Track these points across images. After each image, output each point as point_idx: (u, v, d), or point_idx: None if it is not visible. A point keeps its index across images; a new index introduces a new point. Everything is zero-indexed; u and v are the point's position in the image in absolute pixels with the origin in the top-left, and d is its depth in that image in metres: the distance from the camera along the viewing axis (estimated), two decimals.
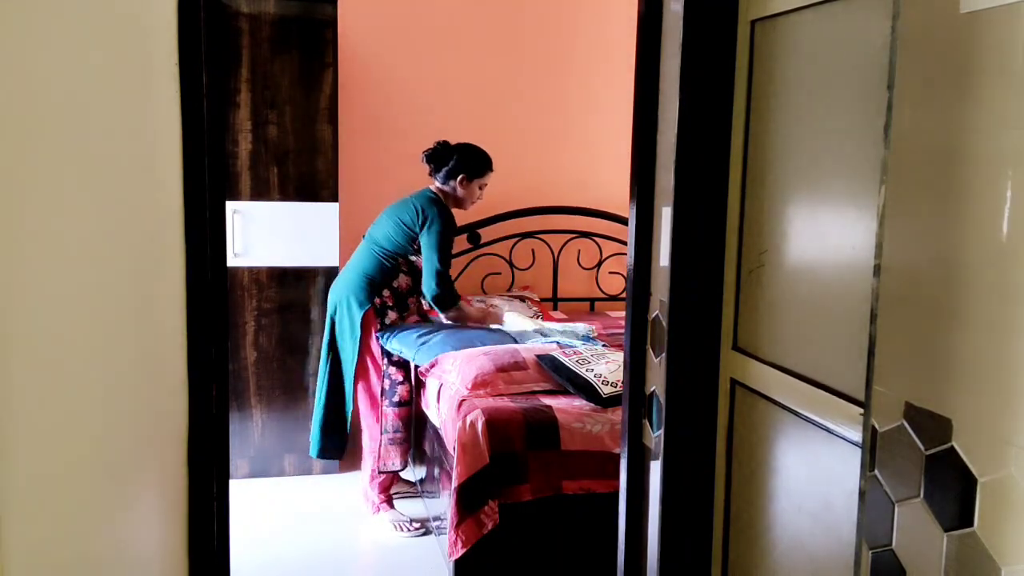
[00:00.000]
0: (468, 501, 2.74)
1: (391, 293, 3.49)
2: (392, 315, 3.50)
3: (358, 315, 3.43)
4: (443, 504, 3.12)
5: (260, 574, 3.09)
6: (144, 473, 1.64)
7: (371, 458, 3.51)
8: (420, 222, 3.43)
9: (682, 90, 1.87)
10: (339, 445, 3.55)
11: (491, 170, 3.59)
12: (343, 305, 3.48)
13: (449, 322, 3.56)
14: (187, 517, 1.93)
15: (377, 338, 3.47)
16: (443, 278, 3.44)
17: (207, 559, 1.97)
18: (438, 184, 3.56)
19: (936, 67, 1.19)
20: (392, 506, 3.54)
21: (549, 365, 3.13)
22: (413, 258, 3.50)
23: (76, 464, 1.28)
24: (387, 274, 3.48)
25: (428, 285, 3.44)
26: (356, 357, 3.44)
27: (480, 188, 3.59)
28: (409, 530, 3.42)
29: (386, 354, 3.47)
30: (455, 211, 3.58)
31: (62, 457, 1.22)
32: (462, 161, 3.53)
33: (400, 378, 3.49)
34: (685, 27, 1.85)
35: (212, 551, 1.99)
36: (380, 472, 3.50)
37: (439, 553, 3.20)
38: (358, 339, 3.43)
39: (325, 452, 3.56)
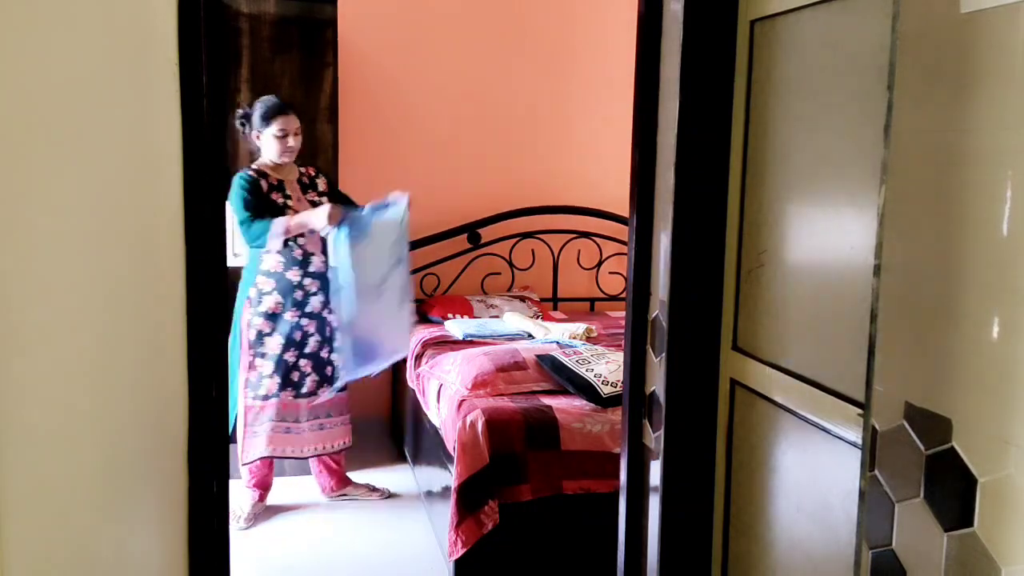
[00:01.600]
0: (468, 501, 2.74)
1: (266, 277, 3.41)
2: (268, 301, 3.41)
3: (238, 312, 3.41)
4: (443, 504, 3.12)
5: (260, 574, 3.09)
6: (144, 473, 1.64)
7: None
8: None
9: (682, 90, 1.87)
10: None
11: (282, 114, 3.39)
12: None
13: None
14: (187, 517, 1.93)
15: (248, 329, 3.42)
16: (245, 227, 3.32)
17: (207, 559, 1.97)
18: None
19: (936, 68, 1.19)
20: (348, 482, 3.68)
21: (549, 365, 3.13)
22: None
23: (76, 464, 1.28)
24: (251, 264, 3.43)
25: (243, 243, 3.37)
26: (238, 355, 3.42)
27: (278, 137, 3.38)
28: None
29: (252, 346, 3.42)
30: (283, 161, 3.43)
31: (62, 457, 1.22)
32: (245, 117, 3.45)
33: (269, 371, 3.44)
34: (685, 27, 1.85)
35: (212, 551, 1.99)
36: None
37: (439, 553, 3.20)
38: (233, 332, 3.39)
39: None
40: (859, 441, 1.41)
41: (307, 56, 3.80)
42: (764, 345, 1.78)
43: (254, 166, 3.45)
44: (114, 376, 1.44)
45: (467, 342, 3.75)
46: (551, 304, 4.64)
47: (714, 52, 1.87)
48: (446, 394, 3.15)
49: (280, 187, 3.44)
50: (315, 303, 3.46)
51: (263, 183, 3.40)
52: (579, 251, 4.68)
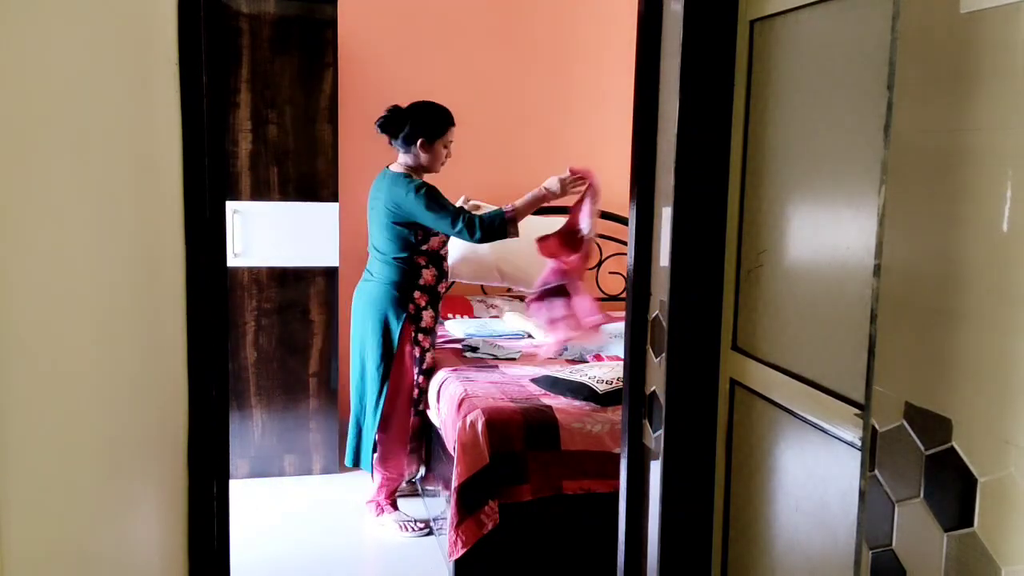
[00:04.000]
0: (468, 501, 2.74)
1: (421, 292, 3.32)
2: (427, 317, 3.34)
3: (396, 327, 3.26)
4: (443, 504, 3.12)
5: (260, 574, 3.09)
6: (144, 473, 1.64)
7: (386, 467, 3.41)
8: (402, 210, 3.22)
9: (682, 90, 1.87)
10: (364, 456, 3.41)
11: (452, 125, 3.32)
12: (374, 319, 3.29)
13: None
14: (187, 517, 1.93)
15: (415, 344, 3.34)
16: (468, 222, 3.17)
17: (207, 559, 1.97)
18: (401, 156, 3.35)
19: (936, 67, 1.19)
20: (396, 507, 3.50)
21: (546, 384, 3.13)
22: (422, 247, 3.29)
23: (76, 464, 1.28)
24: (409, 276, 3.29)
25: (465, 238, 3.21)
26: (384, 371, 3.29)
27: (445, 147, 3.32)
28: (414, 530, 3.39)
29: (417, 363, 3.37)
30: (427, 177, 3.36)
31: (62, 457, 1.22)
32: (417, 123, 3.27)
33: (426, 386, 3.41)
34: (685, 27, 1.85)
35: (212, 551, 1.99)
36: (407, 482, 3.48)
37: (439, 553, 3.20)
38: (393, 352, 3.28)
39: (356, 462, 3.41)
40: (858, 441, 1.41)
41: (307, 56, 3.80)
42: (764, 345, 1.78)
43: (408, 173, 3.31)
44: (114, 376, 1.44)
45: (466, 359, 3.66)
46: None
47: (714, 52, 1.87)
48: (446, 394, 3.15)
49: None
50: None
51: None
52: None
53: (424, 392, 3.41)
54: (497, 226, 3.22)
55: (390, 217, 3.26)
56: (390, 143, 3.35)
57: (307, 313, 3.92)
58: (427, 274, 3.32)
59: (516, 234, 3.28)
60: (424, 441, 3.54)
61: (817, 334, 1.59)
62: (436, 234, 3.30)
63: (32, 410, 1.10)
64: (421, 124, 3.27)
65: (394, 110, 3.31)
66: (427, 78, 4.44)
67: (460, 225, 3.18)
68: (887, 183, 1.28)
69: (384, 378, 3.29)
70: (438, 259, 3.37)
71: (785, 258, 1.70)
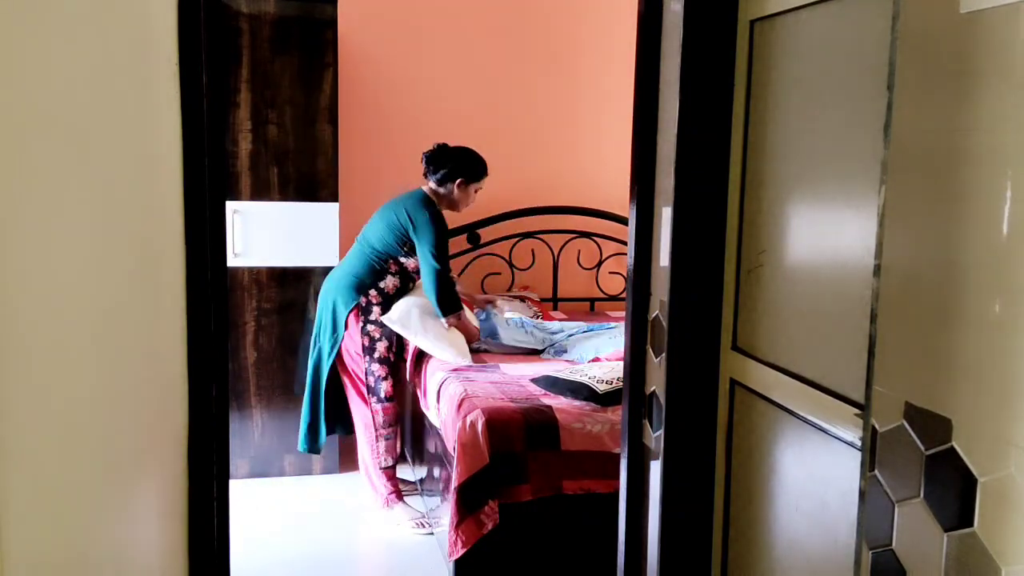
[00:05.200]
0: (468, 501, 2.74)
1: (377, 293, 3.51)
2: (376, 312, 3.51)
3: (343, 314, 3.47)
4: (443, 504, 3.12)
5: (260, 574, 3.09)
6: (144, 473, 1.64)
7: (367, 453, 3.56)
8: (411, 224, 3.46)
9: (682, 90, 1.87)
10: (316, 439, 3.60)
11: (487, 175, 3.65)
12: (327, 305, 3.52)
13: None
14: (187, 517, 1.93)
15: (363, 334, 3.49)
16: (442, 279, 3.45)
17: (207, 559, 1.97)
18: (432, 185, 3.59)
19: (936, 68, 1.19)
20: (402, 498, 3.55)
21: (545, 384, 3.14)
22: (403, 260, 3.52)
23: (76, 464, 1.28)
24: (375, 275, 3.51)
25: (428, 289, 3.46)
26: (333, 355, 3.50)
27: (475, 192, 3.64)
28: (426, 527, 3.42)
29: (368, 352, 3.49)
30: (446, 213, 3.61)
31: (62, 457, 1.22)
32: (462, 165, 3.56)
33: (383, 374, 3.52)
34: (685, 27, 1.85)
35: (212, 551, 1.99)
36: (381, 468, 3.53)
37: (439, 553, 3.20)
38: (340, 337, 3.48)
39: (309, 445, 3.62)
40: (858, 441, 1.41)
41: (307, 56, 3.80)
42: (764, 345, 1.78)
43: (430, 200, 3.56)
44: (114, 376, 1.44)
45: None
46: (551, 304, 4.64)
47: (714, 52, 1.87)
48: (446, 394, 3.15)
49: None
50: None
51: None
52: (579, 251, 4.68)
53: (384, 380, 3.52)
54: (452, 303, 3.50)
55: (402, 218, 3.49)
56: (425, 175, 3.61)
57: (307, 313, 3.92)
58: (391, 281, 3.54)
59: (448, 325, 3.54)
60: (399, 429, 3.67)
61: (817, 334, 1.59)
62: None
63: (32, 410, 1.10)
64: (465, 166, 3.58)
65: (443, 147, 3.61)
66: (427, 78, 4.45)
67: (437, 272, 3.42)
68: (887, 183, 1.28)
69: (330, 360, 3.52)
70: (407, 277, 3.59)
71: (785, 258, 1.70)
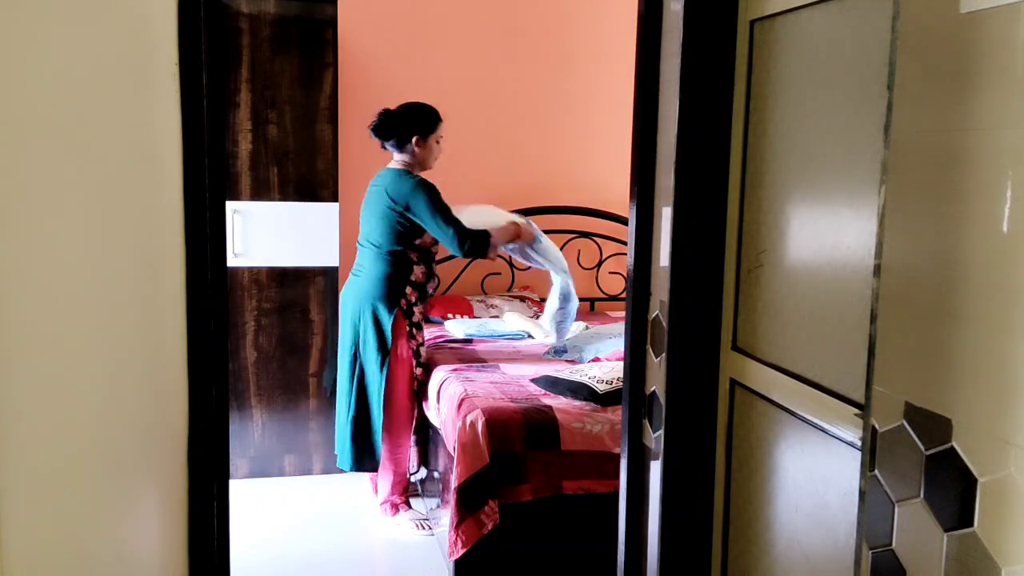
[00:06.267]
0: (468, 501, 2.74)
1: (412, 288, 3.37)
2: (417, 312, 3.41)
3: (388, 321, 3.29)
4: (443, 504, 3.12)
5: (260, 574, 3.09)
6: (144, 473, 1.64)
7: (395, 463, 3.42)
8: (401, 201, 3.28)
9: (682, 90, 1.87)
10: (374, 456, 3.38)
11: (441, 120, 3.42)
12: (366, 314, 3.31)
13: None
14: (187, 517, 1.93)
15: (411, 338, 3.39)
16: (460, 232, 3.28)
17: (207, 559, 1.97)
18: (396, 156, 3.41)
19: (936, 68, 1.19)
20: (409, 505, 3.50)
21: (545, 384, 3.13)
22: (416, 242, 3.35)
23: (76, 464, 1.28)
24: (401, 271, 3.34)
25: (453, 248, 3.30)
26: (385, 367, 3.30)
27: (436, 143, 3.42)
28: (428, 528, 3.39)
29: (415, 356, 3.41)
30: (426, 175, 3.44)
31: (62, 457, 1.22)
32: (410, 122, 3.36)
33: (425, 380, 3.46)
34: (685, 27, 1.85)
35: (212, 551, 1.99)
36: (409, 477, 3.48)
37: (439, 553, 3.20)
38: (388, 347, 3.30)
39: (360, 465, 3.38)
40: (858, 441, 1.41)
41: (307, 56, 3.79)
42: (764, 345, 1.78)
43: (408, 169, 3.39)
44: (114, 376, 1.44)
45: (467, 363, 3.67)
46: None
47: (714, 52, 1.87)
48: (446, 394, 3.15)
49: None
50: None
51: None
52: (579, 251, 4.67)
53: (423, 385, 3.45)
54: (483, 244, 3.35)
55: (386, 202, 3.31)
56: (383, 147, 3.42)
57: (307, 313, 3.92)
58: (417, 271, 3.39)
59: (495, 256, 3.43)
60: (422, 435, 3.57)
61: (817, 334, 1.59)
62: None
63: (32, 410, 1.10)
64: (413, 122, 3.37)
65: (386, 113, 3.38)
66: (427, 78, 4.44)
67: (452, 232, 3.27)
68: (887, 183, 1.28)
69: (383, 373, 3.32)
70: (429, 257, 3.44)
71: (785, 258, 1.70)
